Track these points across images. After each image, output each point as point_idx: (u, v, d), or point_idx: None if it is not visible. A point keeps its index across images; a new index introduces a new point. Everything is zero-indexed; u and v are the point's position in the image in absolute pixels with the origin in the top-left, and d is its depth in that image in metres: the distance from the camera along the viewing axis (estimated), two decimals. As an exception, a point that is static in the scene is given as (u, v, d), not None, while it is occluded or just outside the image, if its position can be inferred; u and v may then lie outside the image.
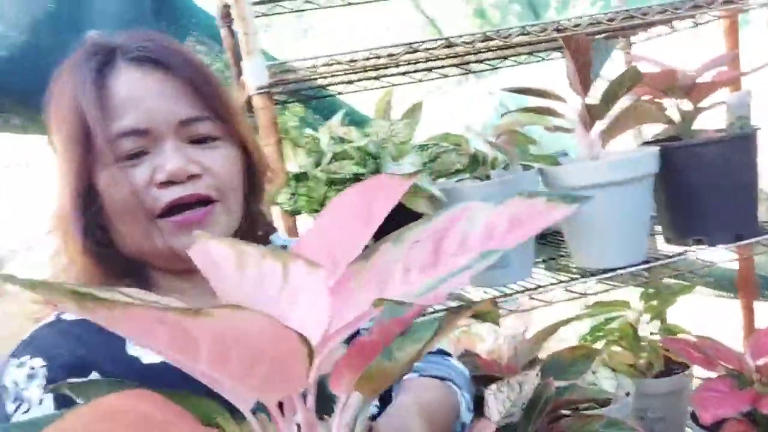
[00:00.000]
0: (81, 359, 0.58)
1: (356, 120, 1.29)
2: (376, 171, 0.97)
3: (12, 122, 1.44)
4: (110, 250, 0.62)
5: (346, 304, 0.35)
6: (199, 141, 0.63)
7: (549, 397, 0.95)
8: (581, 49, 1.07)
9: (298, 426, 0.37)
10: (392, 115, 1.17)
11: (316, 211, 1.01)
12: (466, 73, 1.39)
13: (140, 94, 0.60)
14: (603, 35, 1.23)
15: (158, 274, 0.67)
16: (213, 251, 0.34)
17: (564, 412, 1.04)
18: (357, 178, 0.99)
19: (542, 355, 1.20)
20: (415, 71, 1.32)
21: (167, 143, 0.61)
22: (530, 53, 1.38)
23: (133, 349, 0.62)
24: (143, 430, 0.30)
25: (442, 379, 0.79)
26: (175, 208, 0.61)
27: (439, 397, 0.75)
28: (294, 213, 0.94)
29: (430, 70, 1.31)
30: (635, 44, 1.50)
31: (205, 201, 0.62)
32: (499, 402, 0.95)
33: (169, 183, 0.60)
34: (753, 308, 1.64)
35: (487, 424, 1.10)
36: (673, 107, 1.23)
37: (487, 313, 0.40)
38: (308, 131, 1.00)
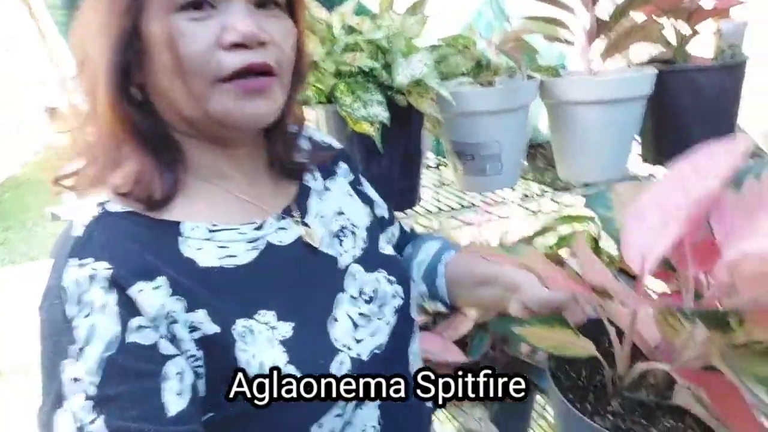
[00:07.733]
0: (146, 263, 0.54)
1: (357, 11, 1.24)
2: (386, 66, 0.95)
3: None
4: (144, 112, 0.57)
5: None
6: (263, 6, 0.58)
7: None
8: (598, -40, 1.05)
9: None
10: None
11: (323, 102, 0.99)
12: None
13: None
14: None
15: (193, 150, 0.61)
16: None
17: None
18: (365, 71, 0.97)
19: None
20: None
21: (237, 2, 0.56)
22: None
23: (187, 250, 0.58)
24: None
25: None
26: (240, 74, 0.56)
27: None
28: (302, 104, 0.92)
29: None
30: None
31: (267, 72, 0.58)
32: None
33: (238, 46, 0.55)
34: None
35: (464, 320, 1.17)
36: (670, 29, 1.25)
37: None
38: (321, 14, 0.95)
